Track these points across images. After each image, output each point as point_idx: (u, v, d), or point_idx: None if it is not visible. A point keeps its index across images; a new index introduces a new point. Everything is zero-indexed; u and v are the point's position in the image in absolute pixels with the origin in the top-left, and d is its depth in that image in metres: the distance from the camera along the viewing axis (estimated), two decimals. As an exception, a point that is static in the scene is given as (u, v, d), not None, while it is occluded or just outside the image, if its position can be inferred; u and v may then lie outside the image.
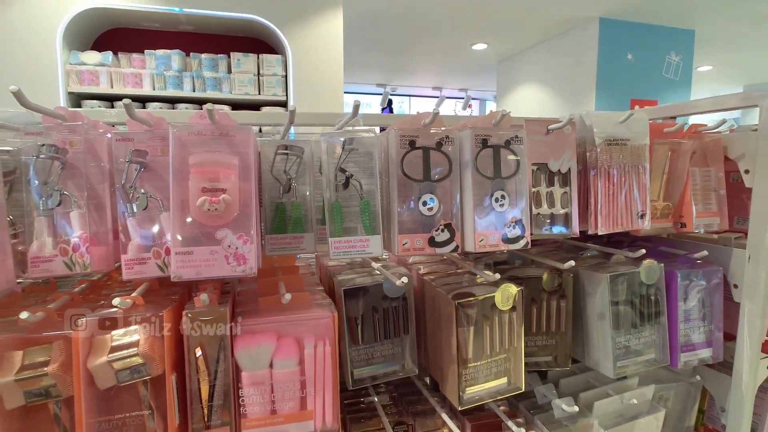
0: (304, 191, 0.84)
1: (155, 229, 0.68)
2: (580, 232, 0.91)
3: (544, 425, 0.97)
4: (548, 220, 0.90)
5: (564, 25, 5.30)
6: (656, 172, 0.98)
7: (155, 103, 3.46)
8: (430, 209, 0.80)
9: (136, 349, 0.63)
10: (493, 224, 0.81)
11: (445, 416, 0.94)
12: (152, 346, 0.65)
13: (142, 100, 3.48)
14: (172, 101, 3.56)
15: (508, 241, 0.81)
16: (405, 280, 0.79)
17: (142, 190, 0.69)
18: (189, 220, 0.64)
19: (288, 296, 0.71)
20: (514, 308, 0.90)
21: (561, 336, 1.01)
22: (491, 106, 10.86)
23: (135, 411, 0.65)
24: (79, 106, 3.43)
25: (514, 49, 6.63)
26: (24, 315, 0.60)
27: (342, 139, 0.76)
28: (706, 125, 1.01)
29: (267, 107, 3.67)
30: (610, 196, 0.90)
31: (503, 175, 0.82)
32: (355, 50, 6.15)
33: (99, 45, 3.68)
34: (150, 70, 3.40)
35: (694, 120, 1.17)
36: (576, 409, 0.95)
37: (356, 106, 0.73)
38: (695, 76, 5.50)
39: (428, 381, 1.13)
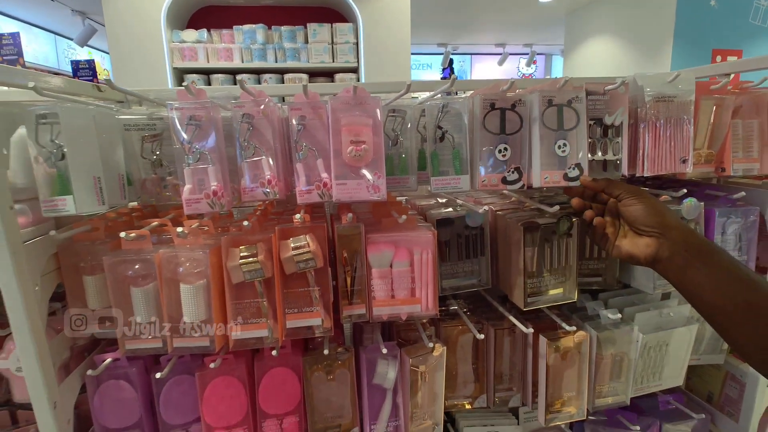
0: (407, 144, 1.12)
1: (314, 170, 1.00)
2: (629, 175, 1.12)
3: (592, 329, 1.23)
4: (602, 165, 1.12)
5: (641, -28, 5.01)
6: (702, 123, 1.15)
7: (244, 75, 3.88)
8: (504, 155, 1.05)
9: (308, 248, 0.97)
10: (557, 166, 1.05)
11: (512, 318, 1.22)
12: (317, 247, 0.98)
13: (233, 72, 3.90)
14: (258, 72, 3.95)
15: (568, 179, 1.05)
16: (486, 208, 1.06)
17: (304, 143, 1.00)
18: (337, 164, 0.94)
19: (404, 217, 1.02)
20: (570, 235, 1.15)
21: (610, 261, 1.24)
22: (558, 62, 10.38)
23: (307, 288, 1.00)
24: (182, 80, 3.92)
25: (585, 0, 6.33)
26: (246, 223, 0.95)
27: (440, 104, 1.03)
28: (753, 81, 1.15)
29: (340, 73, 3.96)
30: (657, 144, 1.10)
31: (565, 127, 1.04)
32: (417, 11, 6.19)
33: (193, 23, 4.12)
34: (239, 45, 3.79)
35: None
36: (620, 316, 1.20)
37: (453, 79, 0.99)
38: (787, 21, 4.99)
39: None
